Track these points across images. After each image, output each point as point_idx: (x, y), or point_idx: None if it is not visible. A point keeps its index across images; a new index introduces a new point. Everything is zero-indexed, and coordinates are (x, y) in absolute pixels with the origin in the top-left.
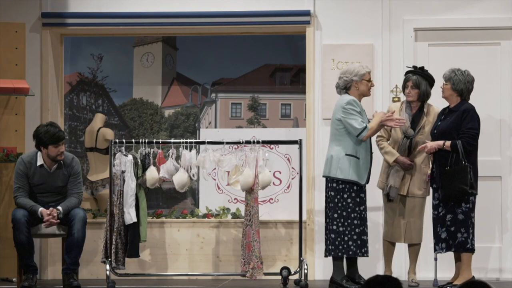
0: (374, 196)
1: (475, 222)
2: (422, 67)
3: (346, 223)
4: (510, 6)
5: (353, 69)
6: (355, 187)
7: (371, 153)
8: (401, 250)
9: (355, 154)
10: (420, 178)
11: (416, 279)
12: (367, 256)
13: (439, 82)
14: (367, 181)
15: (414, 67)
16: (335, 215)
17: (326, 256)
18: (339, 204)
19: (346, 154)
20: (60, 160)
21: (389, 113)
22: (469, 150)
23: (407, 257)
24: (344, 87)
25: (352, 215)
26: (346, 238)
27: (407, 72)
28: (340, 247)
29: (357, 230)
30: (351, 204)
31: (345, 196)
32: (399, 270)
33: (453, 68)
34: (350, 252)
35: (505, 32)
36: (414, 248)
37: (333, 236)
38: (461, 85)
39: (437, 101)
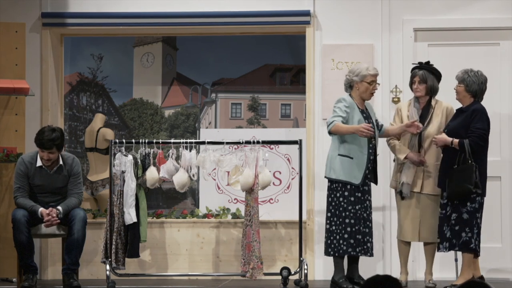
0: (374, 197)
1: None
2: (428, 62)
3: (338, 222)
4: (510, 6)
5: (356, 69)
6: (348, 186)
7: (371, 153)
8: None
9: (348, 154)
10: (434, 175)
11: (433, 279)
12: (367, 255)
13: (444, 81)
14: (373, 181)
15: (420, 63)
16: (328, 214)
17: (324, 254)
18: (333, 203)
19: (339, 155)
20: (46, 165)
21: (366, 125)
22: (476, 150)
23: (416, 256)
24: (349, 86)
25: (344, 214)
26: (338, 237)
27: (413, 69)
28: (333, 245)
29: (348, 229)
30: (343, 203)
31: (338, 195)
32: (397, 270)
33: (466, 69)
34: (341, 251)
35: (505, 32)
36: (429, 248)
37: (326, 235)
38: (475, 86)
39: (445, 98)
